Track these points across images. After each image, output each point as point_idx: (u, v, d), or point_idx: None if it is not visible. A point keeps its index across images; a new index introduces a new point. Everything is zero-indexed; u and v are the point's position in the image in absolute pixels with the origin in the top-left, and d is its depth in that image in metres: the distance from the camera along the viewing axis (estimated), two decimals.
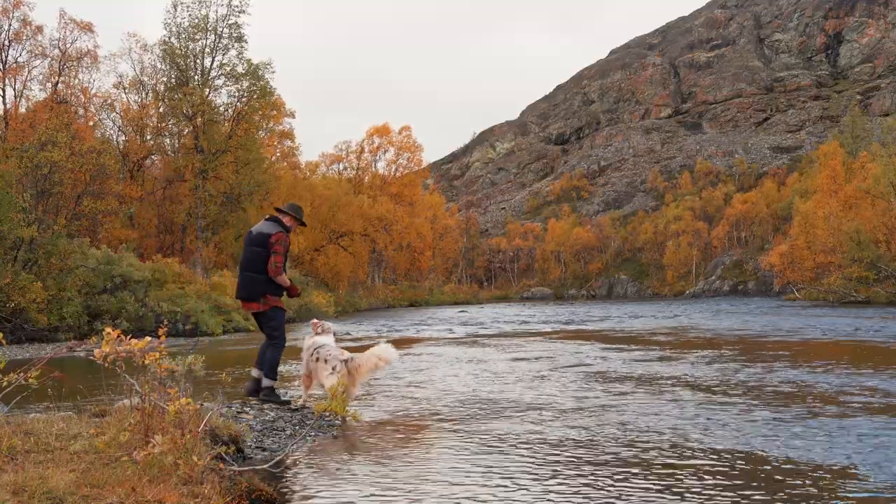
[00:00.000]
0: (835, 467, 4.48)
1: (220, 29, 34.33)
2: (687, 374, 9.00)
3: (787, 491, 3.97)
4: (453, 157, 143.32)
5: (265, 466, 4.32)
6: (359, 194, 55.01)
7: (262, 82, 34.85)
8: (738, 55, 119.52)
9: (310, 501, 3.91)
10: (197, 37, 34.21)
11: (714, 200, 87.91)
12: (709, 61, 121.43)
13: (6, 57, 31.37)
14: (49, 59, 32.71)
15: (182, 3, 34.04)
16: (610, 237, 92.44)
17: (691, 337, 16.02)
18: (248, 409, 6.24)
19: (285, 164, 49.11)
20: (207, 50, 34.47)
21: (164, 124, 37.26)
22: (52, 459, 3.57)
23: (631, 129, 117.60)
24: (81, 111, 34.92)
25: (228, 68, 34.73)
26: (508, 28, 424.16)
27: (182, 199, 35.01)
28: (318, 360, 6.45)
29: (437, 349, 14.13)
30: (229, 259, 36.73)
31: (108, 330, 3.70)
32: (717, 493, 3.92)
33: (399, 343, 16.40)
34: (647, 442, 5.17)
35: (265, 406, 6.45)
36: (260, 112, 36.75)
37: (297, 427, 5.79)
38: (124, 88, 38.15)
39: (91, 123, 34.91)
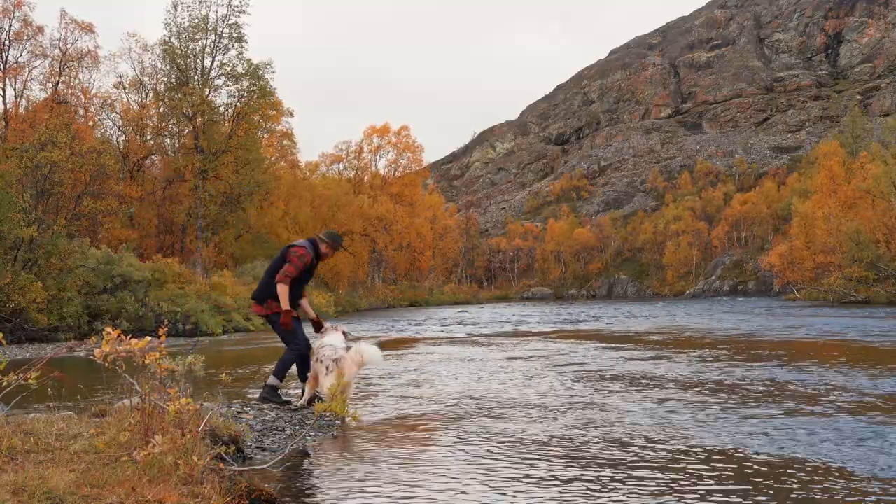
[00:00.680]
0: (817, 464, 4.52)
1: (221, 29, 34.36)
2: (675, 374, 9.05)
3: (768, 486, 3.97)
4: (453, 157, 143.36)
5: (265, 466, 4.32)
6: (359, 194, 55.02)
7: (262, 82, 34.87)
8: (738, 55, 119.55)
9: (310, 501, 3.91)
10: (197, 37, 34.23)
11: (714, 200, 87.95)
12: (709, 61, 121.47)
13: (7, 57, 31.41)
14: (49, 59, 32.76)
15: (182, 3, 34.09)
16: (610, 237, 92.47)
17: (686, 337, 16.04)
18: (248, 409, 6.24)
19: (285, 163, 49.11)
20: (207, 50, 34.49)
21: (164, 124, 37.27)
22: (52, 459, 3.57)
23: (631, 129, 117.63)
24: (81, 111, 34.94)
25: (228, 68, 34.75)
26: (508, 28, 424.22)
27: (182, 199, 35.01)
28: (317, 360, 6.46)
29: (436, 349, 14.14)
30: (229, 259, 36.77)
31: (108, 330, 3.70)
32: (705, 488, 3.93)
33: (399, 343, 16.43)
34: (635, 439, 5.18)
35: (265, 406, 6.45)
36: (260, 112, 36.76)
37: (297, 427, 5.80)
38: (124, 88, 38.18)
39: (91, 123, 34.91)
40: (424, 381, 8.89)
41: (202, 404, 4.53)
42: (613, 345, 14.03)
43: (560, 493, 3.95)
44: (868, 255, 36.32)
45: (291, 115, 46.22)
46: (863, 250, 36.55)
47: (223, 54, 34.63)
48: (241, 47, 34.84)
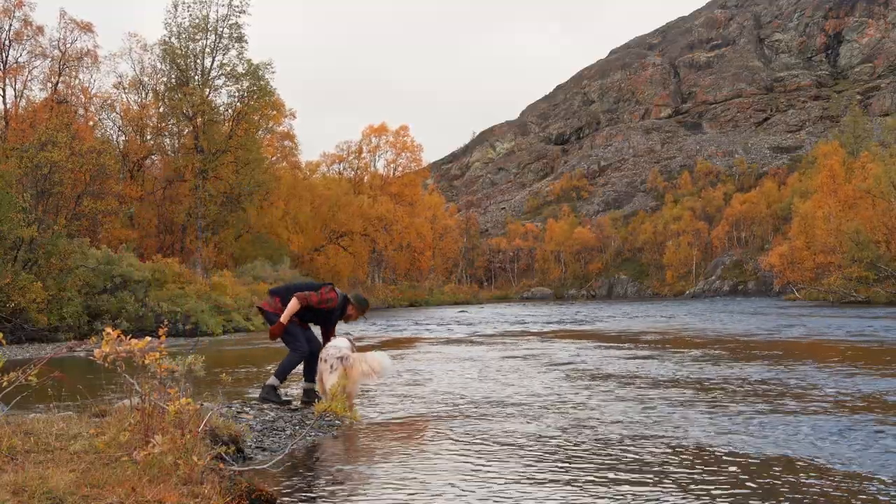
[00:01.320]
0: (796, 459, 4.57)
1: (221, 29, 34.37)
2: (667, 373, 9.15)
3: (748, 482, 3.98)
4: (453, 157, 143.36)
5: (265, 466, 4.32)
6: (359, 194, 55.03)
7: (262, 82, 34.87)
8: (738, 55, 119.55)
9: (310, 501, 3.91)
10: (197, 37, 34.24)
11: (714, 200, 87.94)
12: (709, 61, 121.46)
13: (6, 57, 31.41)
14: (49, 59, 32.76)
15: (183, 3, 34.09)
16: (610, 237, 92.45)
17: (681, 337, 16.05)
18: (248, 409, 6.24)
19: (285, 163, 49.12)
20: (208, 50, 34.51)
21: (164, 124, 37.27)
22: (52, 459, 3.57)
23: (631, 129, 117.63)
24: (81, 111, 34.93)
25: (228, 68, 34.77)
26: (508, 28, 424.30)
27: (182, 199, 35.02)
28: (322, 360, 6.47)
29: (436, 349, 14.15)
30: (229, 259, 36.76)
31: (108, 330, 3.70)
32: (691, 485, 3.94)
33: (399, 343, 16.43)
34: (636, 439, 5.19)
35: (265, 406, 6.46)
36: (259, 112, 36.76)
37: (297, 427, 5.80)
38: (124, 88, 38.18)
39: (91, 123, 34.91)
40: (424, 381, 8.89)
41: (202, 404, 4.53)
42: (610, 344, 14.04)
43: (560, 492, 3.95)
44: (868, 255, 36.32)
45: (294, 116, 46.28)
46: (863, 250, 36.55)
47: (223, 54, 34.68)
48: (242, 47, 34.89)
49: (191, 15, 34.06)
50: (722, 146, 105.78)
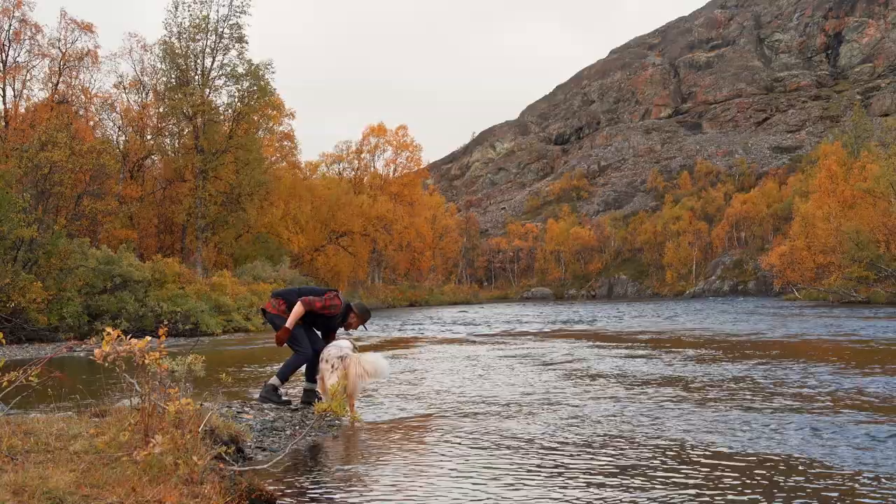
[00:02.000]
0: (778, 457, 4.60)
1: (221, 29, 34.35)
2: (662, 372, 9.19)
3: (734, 479, 3.98)
4: (453, 157, 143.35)
5: (265, 466, 4.32)
6: (359, 194, 55.02)
7: (262, 82, 34.85)
8: (738, 55, 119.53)
9: (310, 501, 3.91)
10: (198, 37, 34.21)
11: (714, 200, 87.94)
12: (709, 61, 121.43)
13: (6, 57, 31.38)
14: (49, 59, 32.75)
15: (183, 4, 34.06)
16: (610, 237, 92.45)
17: (678, 337, 16.04)
18: (248, 409, 6.25)
19: (285, 163, 49.12)
20: (208, 50, 34.48)
21: (164, 124, 37.25)
22: (52, 459, 3.57)
23: (631, 129, 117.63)
24: (82, 111, 34.91)
25: (229, 68, 34.74)
26: (509, 28, 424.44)
27: (182, 199, 34.99)
28: (323, 360, 6.47)
29: (436, 349, 14.15)
30: (229, 259, 36.75)
31: (108, 330, 3.70)
32: (679, 482, 3.94)
33: (399, 343, 16.43)
34: (636, 438, 5.20)
35: (265, 406, 6.46)
36: (259, 112, 36.74)
37: (297, 427, 5.80)
38: (124, 88, 38.14)
39: (91, 123, 34.90)
40: (424, 381, 8.90)
41: (202, 404, 4.53)
42: (606, 344, 14.04)
43: (560, 492, 3.95)
44: (868, 255, 36.31)
45: (293, 117, 46.29)
46: (863, 250, 36.54)
47: (224, 54, 34.64)
48: (242, 48, 34.86)
49: (191, 15, 34.07)
50: (722, 146, 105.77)
